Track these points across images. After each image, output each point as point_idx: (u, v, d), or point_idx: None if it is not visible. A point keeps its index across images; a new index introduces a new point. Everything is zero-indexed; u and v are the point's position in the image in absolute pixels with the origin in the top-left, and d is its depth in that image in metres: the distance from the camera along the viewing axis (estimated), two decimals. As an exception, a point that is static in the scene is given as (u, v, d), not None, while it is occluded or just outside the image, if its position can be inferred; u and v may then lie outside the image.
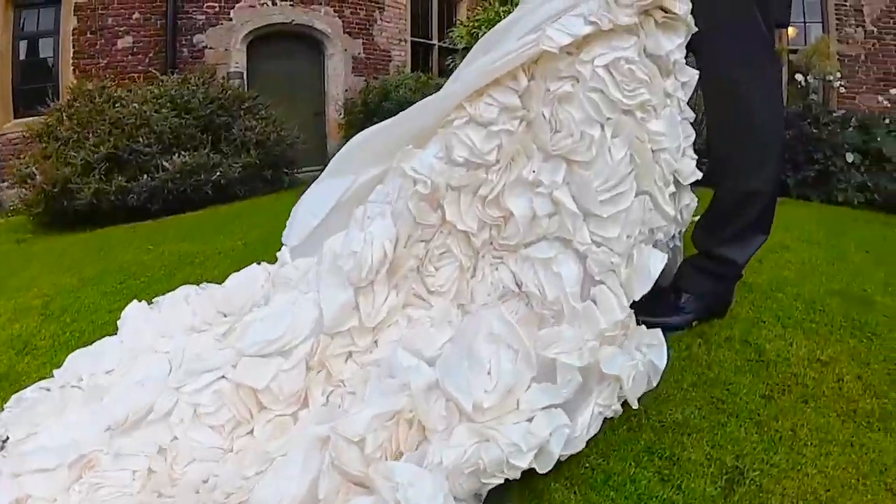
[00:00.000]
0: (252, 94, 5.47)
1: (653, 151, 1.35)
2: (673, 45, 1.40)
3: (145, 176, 4.28)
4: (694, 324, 1.76)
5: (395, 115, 1.55)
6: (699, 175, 1.50)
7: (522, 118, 1.36)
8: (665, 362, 1.30)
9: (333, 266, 1.30)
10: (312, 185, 1.67)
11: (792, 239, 2.94)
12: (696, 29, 1.48)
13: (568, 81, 1.32)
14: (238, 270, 2.08)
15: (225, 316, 1.63)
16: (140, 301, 1.80)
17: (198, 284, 1.96)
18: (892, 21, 6.70)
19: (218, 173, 4.40)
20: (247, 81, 7.24)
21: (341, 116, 7.06)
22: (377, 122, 1.61)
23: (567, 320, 1.18)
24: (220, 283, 1.96)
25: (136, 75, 6.67)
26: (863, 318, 1.97)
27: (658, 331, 1.34)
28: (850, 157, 4.80)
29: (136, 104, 4.76)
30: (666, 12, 1.40)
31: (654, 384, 1.32)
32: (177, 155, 4.33)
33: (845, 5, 6.71)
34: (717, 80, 1.62)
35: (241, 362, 1.30)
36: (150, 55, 6.91)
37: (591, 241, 1.25)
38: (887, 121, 5.20)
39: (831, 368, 1.63)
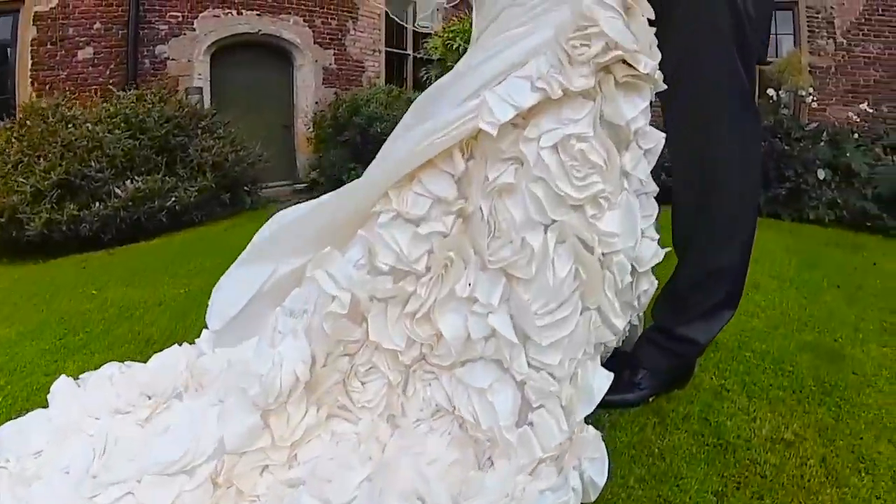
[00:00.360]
0: (210, 111, 5.27)
1: (604, 255, 1.19)
2: (636, 110, 1.22)
3: (97, 203, 4.08)
4: (651, 399, 1.64)
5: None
6: (661, 257, 1.34)
7: (458, 213, 1.21)
8: (605, 478, 1.17)
9: (240, 382, 1.16)
10: (233, 266, 1.54)
11: (763, 275, 2.87)
12: (665, 87, 1.32)
13: (511, 165, 1.16)
14: (177, 325, 2.31)
15: (149, 398, 1.55)
16: (77, 359, 1.95)
17: (135, 341, 2.18)
18: (861, 33, 6.71)
19: (172, 199, 4.22)
20: (211, 93, 7.05)
21: (310, 130, 6.88)
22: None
23: (500, 453, 1.06)
24: (156, 340, 2.18)
25: (96, 87, 6.45)
26: (833, 380, 1.88)
27: (600, 443, 1.21)
28: (821, 174, 4.76)
29: (89, 124, 4.55)
30: (629, 66, 1.21)
31: (593, 499, 1.19)
32: (130, 180, 4.14)
33: (817, 17, 6.70)
34: (683, 139, 1.44)
35: (145, 480, 1.17)
36: (112, 66, 6.68)
37: (531, 368, 1.12)
38: (856, 135, 5.18)
39: (795, 451, 1.52)
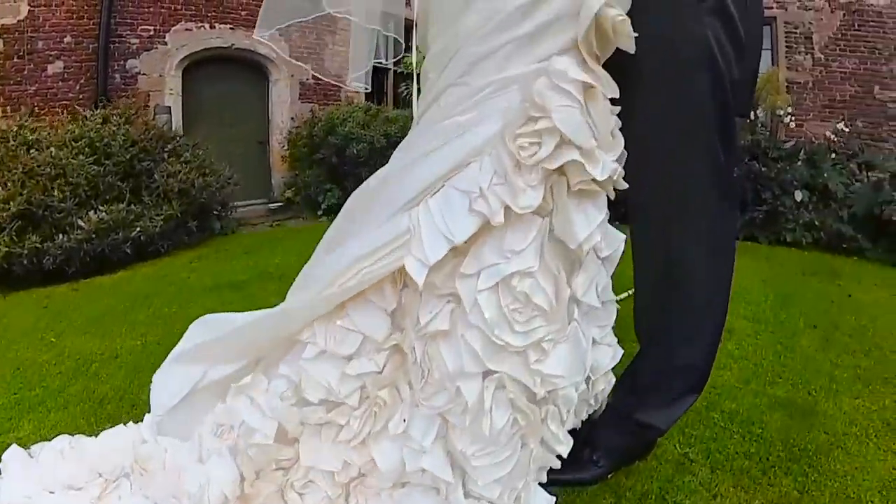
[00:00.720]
0: (177, 132, 5.16)
1: (548, 392, 1.09)
2: (590, 226, 1.08)
3: (61, 235, 3.97)
4: (610, 476, 1.56)
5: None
6: (617, 358, 1.26)
7: (393, 349, 1.10)
8: None
9: (174, 494, 1.10)
10: (168, 361, 1.48)
11: (738, 317, 2.86)
12: (626, 185, 1.17)
13: (446, 304, 1.06)
14: (131, 383, 2.34)
15: (100, 475, 1.53)
16: (32, 417, 2.00)
17: (89, 400, 2.23)
18: (838, 48, 6.77)
19: (137, 229, 4.11)
20: (182, 109, 6.94)
21: (284, 149, 6.79)
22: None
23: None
24: (110, 399, 2.23)
25: (66, 103, 6.32)
26: (802, 442, 1.87)
27: None
28: (798, 196, 4.79)
29: (53, 148, 4.43)
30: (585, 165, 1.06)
31: None
32: (94, 210, 4.02)
33: (795, 32, 6.75)
34: (646, 232, 1.31)
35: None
36: (82, 81, 6.54)
37: (470, 498, 1.06)
38: (833, 154, 5.22)
39: (756, 531, 1.50)
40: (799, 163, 5.18)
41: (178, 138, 5.02)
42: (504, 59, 1.05)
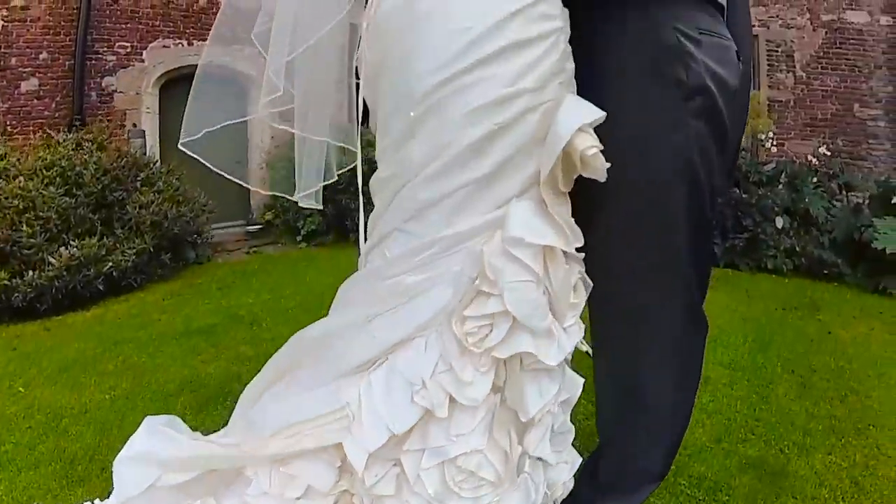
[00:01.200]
0: (151, 159, 5.10)
1: None
2: (544, 399, 1.02)
3: (30, 272, 3.90)
4: None
5: None
6: (576, 468, 1.19)
7: (342, 492, 1.05)
8: None
9: None
10: (126, 451, 1.42)
11: (715, 363, 2.88)
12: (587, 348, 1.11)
13: (392, 468, 1.01)
14: (100, 442, 2.34)
15: None
16: (2, 477, 1.99)
17: (60, 460, 2.22)
18: (819, 66, 6.86)
19: (109, 264, 4.06)
20: (160, 128, 6.87)
21: (262, 170, 6.74)
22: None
23: None
24: (79, 460, 2.21)
25: (41, 121, 6.24)
26: (770, 509, 1.89)
27: None
28: (779, 223, 4.84)
29: (22, 177, 4.36)
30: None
31: None
32: (65, 246, 3.97)
33: (777, 51, 6.83)
34: (606, 355, 1.23)
35: None
36: (57, 99, 6.48)
37: None
38: (815, 179, 5.28)
39: None
40: (780, 186, 5.24)
41: (152, 165, 4.96)
42: (454, 208, 0.95)
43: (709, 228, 1.16)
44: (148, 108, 6.84)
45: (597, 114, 0.95)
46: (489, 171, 0.95)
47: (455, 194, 0.95)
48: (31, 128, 6.31)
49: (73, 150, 4.79)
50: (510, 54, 0.95)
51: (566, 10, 1.07)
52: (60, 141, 4.99)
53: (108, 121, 6.66)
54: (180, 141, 1.17)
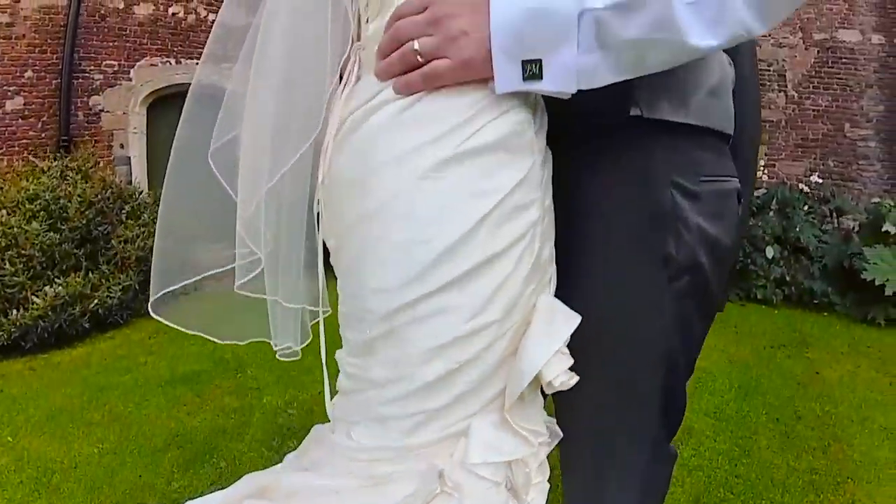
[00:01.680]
0: (136, 188, 5.12)
1: None
2: None
3: (15, 311, 3.92)
4: None
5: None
6: None
7: None
8: None
9: None
10: None
11: (699, 412, 2.93)
12: None
13: None
14: (90, 500, 2.35)
15: None
16: None
17: None
18: (811, 86, 6.94)
19: (95, 301, 4.09)
20: (147, 148, 6.89)
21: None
22: None
23: None
24: None
25: (26, 142, 6.24)
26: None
27: None
28: (770, 253, 4.91)
29: (5, 211, 4.37)
30: None
31: None
32: (49, 285, 3.99)
33: (769, 70, 6.90)
34: (575, 476, 1.17)
35: None
36: (44, 119, 6.49)
37: None
38: (806, 206, 5.35)
39: None
40: (771, 213, 5.31)
41: (137, 195, 4.97)
42: (413, 427, 0.90)
43: (683, 386, 1.07)
44: (135, 128, 6.86)
45: (571, 327, 0.87)
46: (449, 402, 0.87)
47: (413, 417, 0.90)
48: (17, 148, 6.32)
49: (57, 178, 4.80)
50: (476, 275, 0.85)
51: (546, 169, 0.91)
52: (45, 169, 5.00)
53: (95, 141, 6.67)
54: (150, 304, 1.08)
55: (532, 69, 0.67)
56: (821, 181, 5.89)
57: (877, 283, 4.52)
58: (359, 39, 0.94)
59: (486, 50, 0.67)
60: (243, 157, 1.12)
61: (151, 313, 1.32)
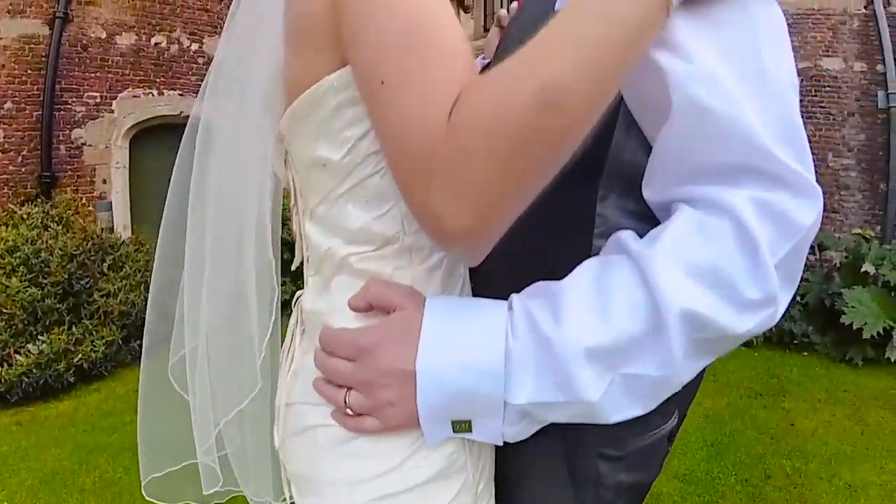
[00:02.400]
0: (117, 238, 5.20)
1: None
2: None
3: (-2, 367, 4.02)
4: None
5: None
6: None
7: None
8: None
9: None
10: None
11: (669, 477, 3.06)
12: None
13: None
14: None
15: None
16: None
17: None
18: (804, 99, 7.11)
19: (80, 355, 4.19)
20: (130, 182, 6.96)
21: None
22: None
23: None
24: None
25: (6, 177, 6.30)
26: None
27: None
28: (749, 293, 5.06)
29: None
30: None
31: None
32: (33, 342, 4.08)
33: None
34: None
35: None
36: (24, 152, 6.54)
37: None
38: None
39: None
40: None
41: (118, 245, 5.03)
42: None
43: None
44: (118, 162, 6.94)
45: None
46: None
47: None
48: (-4, 186, 6.34)
49: (38, 227, 4.85)
50: None
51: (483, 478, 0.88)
52: (24, 217, 5.05)
53: (77, 177, 6.73)
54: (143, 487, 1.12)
55: (462, 426, 0.73)
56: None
57: (855, 326, 4.68)
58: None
59: (415, 418, 0.72)
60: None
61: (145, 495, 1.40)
